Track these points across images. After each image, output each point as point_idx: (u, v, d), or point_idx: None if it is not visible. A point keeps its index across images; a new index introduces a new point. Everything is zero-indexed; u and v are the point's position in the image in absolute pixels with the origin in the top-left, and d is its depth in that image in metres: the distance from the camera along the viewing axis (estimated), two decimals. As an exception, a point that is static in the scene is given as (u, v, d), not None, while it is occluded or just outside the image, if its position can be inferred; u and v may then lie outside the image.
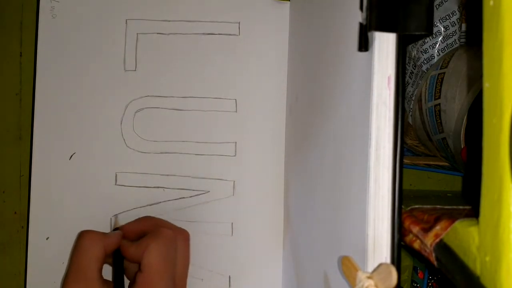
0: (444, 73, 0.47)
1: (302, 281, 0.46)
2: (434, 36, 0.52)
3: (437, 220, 0.32)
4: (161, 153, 0.54)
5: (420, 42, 0.52)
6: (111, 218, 0.53)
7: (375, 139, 0.30)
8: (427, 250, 0.33)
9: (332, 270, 0.36)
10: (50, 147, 0.53)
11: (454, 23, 0.52)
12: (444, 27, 0.52)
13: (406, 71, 0.54)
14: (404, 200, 0.30)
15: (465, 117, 0.44)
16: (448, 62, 0.47)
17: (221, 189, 0.54)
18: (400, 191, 0.30)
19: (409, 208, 0.37)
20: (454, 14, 0.52)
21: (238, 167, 0.54)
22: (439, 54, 0.52)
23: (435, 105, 0.47)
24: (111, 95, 0.54)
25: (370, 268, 0.30)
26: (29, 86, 0.55)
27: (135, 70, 0.54)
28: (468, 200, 0.39)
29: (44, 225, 0.53)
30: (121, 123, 0.54)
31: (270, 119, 0.55)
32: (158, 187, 0.54)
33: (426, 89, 0.49)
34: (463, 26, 0.52)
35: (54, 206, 0.53)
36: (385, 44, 0.30)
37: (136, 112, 0.54)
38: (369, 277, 0.28)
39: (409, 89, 0.53)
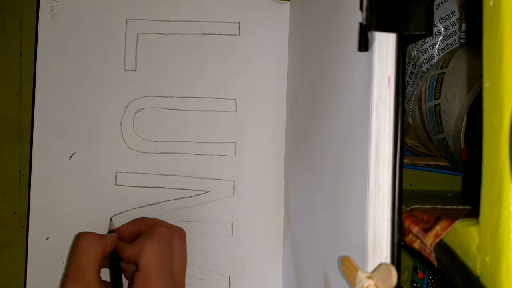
0: (444, 73, 0.47)
1: (302, 281, 0.46)
2: (434, 36, 0.52)
3: (437, 220, 0.32)
4: (161, 153, 0.54)
5: (420, 42, 0.52)
6: (111, 218, 0.53)
7: (375, 139, 0.30)
8: (427, 250, 0.33)
9: (332, 270, 0.36)
10: (50, 147, 0.53)
11: (454, 23, 0.52)
12: (444, 27, 0.52)
13: (406, 71, 0.54)
14: (404, 200, 0.30)
15: (465, 117, 0.44)
16: (448, 62, 0.47)
17: (221, 189, 0.54)
18: (400, 191, 0.30)
19: (409, 208, 0.37)
20: (454, 14, 0.52)
21: (238, 167, 0.54)
22: (439, 54, 0.52)
23: (435, 105, 0.47)
24: (111, 95, 0.54)
25: (370, 268, 0.30)
26: (29, 86, 0.55)
27: (135, 70, 0.54)
28: (468, 200, 0.39)
29: (44, 225, 0.53)
30: (121, 123, 0.54)
31: (270, 119, 0.55)
32: (158, 187, 0.54)
33: (426, 89, 0.49)
34: (463, 26, 0.52)
35: (54, 206, 0.53)
36: (385, 44, 0.30)
37: (136, 112, 0.54)
38: (369, 277, 0.28)
39: (409, 89, 0.53)
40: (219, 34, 0.55)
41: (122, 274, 0.49)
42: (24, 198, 0.55)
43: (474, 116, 0.43)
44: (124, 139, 0.54)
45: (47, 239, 0.53)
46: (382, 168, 0.30)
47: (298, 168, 0.49)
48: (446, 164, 0.53)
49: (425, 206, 0.37)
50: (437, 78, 0.47)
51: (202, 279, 0.54)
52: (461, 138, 0.44)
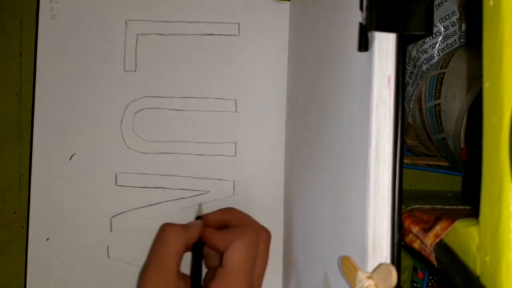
0: (444, 73, 0.47)
1: (302, 281, 0.46)
2: (434, 36, 0.52)
3: (437, 220, 0.32)
4: (161, 153, 0.54)
5: (420, 42, 0.52)
6: (200, 204, 0.53)
7: (375, 139, 0.30)
8: (427, 250, 0.33)
9: (332, 270, 0.36)
10: (50, 147, 0.53)
11: (454, 23, 0.52)
12: (444, 27, 0.52)
13: (406, 71, 0.54)
14: (404, 200, 0.30)
15: (465, 117, 0.44)
16: (448, 62, 0.47)
17: (221, 189, 0.54)
18: (400, 191, 0.30)
19: (409, 208, 0.37)
20: (454, 14, 0.52)
21: (238, 167, 0.54)
22: (439, 54, 0.52)
23: (435, 105, 0.47)
24: (111, 96, 0.54)
25: (370, 268, 0.30)
26: (29, 86, 0.55)
27: (135, 70, 0.54)
28: (468, 200, 0.39)
29: (44, 225, 0.53)
30: (121, 124, 0.54)
31: (270, 119, 0.55)
32: (158, 187, 0.54)
33: (426, 89, 0.49)
34: (463, 26, 0.52)
35: (54, 206, 0.53)
36: (385, 44, 0.30)
37: (136, 113, 0.54)
38: (369, 277, 0.28)
39: (409, 89, 0.53)
40: (219, 35, 0.55)
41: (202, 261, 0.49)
42: (24, 198, 0.55)
43: (474, 116, 0.43)
44: (124, 140, 0.54)
45: (47, 239, 0.53)
46: (382, 168, 0.30)
47: (298, 168, 0.49)
48: (446, 164, 0.53)
49: (425, 206, 0.37)
50: (437, 78, 0.47)
51: (202, 279, 0.54)
52: (461, 138, 0.44)
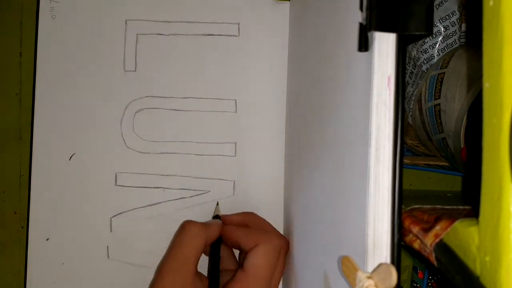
0: (444, 73, 0.47)
1: (302, 281, 0.46)
2: (434, 36, 0.52)
3: (437, 220, 0.32)
4: (161, 153, 0.54)
5: (420, 42, 0.52)
6: (217, 202, 0.53)
7: (375, 139, 0.30)
8: (427, 250, 0.33)
9: (332, 270, 0.36)
10: (50, 147, 0.53)
11: (454, 23, 0.52)
12: (444, 27, 0.52)
13: (406, 71, 0.54)
14: (404, 200, 0.30)
15: (465, 117, 0.44)
16: (448, 62, 0.47)
17: (221, 189, 0.54)
18: (400, 191, 0.30)
19: (409, 208, 0.37)
20: (454, 14, 0.52)
21: (238, 167, 0.54)
22: (439, 54, 0.52)
23: (435, 105, 0.47)
24: (111, 96, 0.54)
25: (370, 268, 0.30)
26: (29, 86, 0.55)
27: (135, 70, 0.54)
28: (468, 200, 0.39)
29: (44, 225, 0.53)
30: (121, 124, 0.54)
31: (270, 119, 0.55)
32: (158, 187, 0.54)
33: (426, 89, 0.49)
34: (463, 26, 0.52)
35: (54, 206, 0.53)
36: (385, 44, 0.30)
37: (136, 113, 0.54)
38: (369, 277, 0.28)
39: (409, 89, 0.53)
40: (219, 35, 0.55)
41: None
42: (24, 198, 0.55)
43: (474, 116, 0.43)
44: (124, 139, 0.54)
45: (47, 240, 0.53)
46: (382, 168, 0.30)
47: (298, 168, 0.49)
48: (446, 164, 0.53)
49: (425, 206, 0.37)
50: (437, 78, 0.47)
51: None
52: (461, 138, 0.44)
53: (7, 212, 0.56)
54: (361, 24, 0.31)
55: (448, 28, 0.52)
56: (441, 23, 0.52)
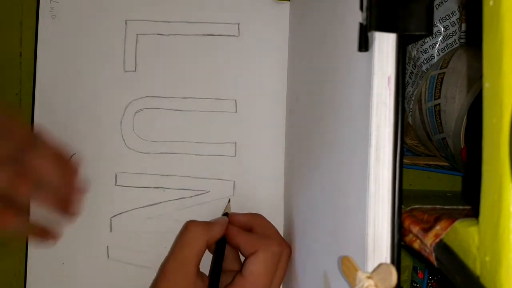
0: (444, 73, 0.47)
1: (302, 281, 0.46)
2: (434, 36, 0.52)
3: (437, 220, 0.32)
4: (161, 153, 0.54)
5: (420, 42, 0.52)
6: (229, 199, 0.53)
7: (375, 139, 0.30)
8: (427, 250, 0.33)
9: (332, 270, 0.36)
10: (50, 147, 0.53)
11: (454, 23, 0.52)
12: (444, 27, 0.52)
13: (406, 71, 0.54)
14: (404, 200, 0.30)
15: (465, 117, 0.44)
16: (448, 62, 0.47)
17: (221, 189, 0.54)
18: (400, 191, 0.30)
19: (409, 208, 0.37)
20: (454, 14, 0.52)
21: (238, 167, 0.54)
22: (439, 54, 0.52)
23: (435, 105, 0.47)
24: (111, 95, 0.54)
25: (370, 268, 0.30)
26: (29, 86, 0.55)
27: (135, 70, 0.54)
28: (468, 200, 0.39)
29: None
30: (121, 124, 0.54)
31: (270, 119, 0.55)
32: (158, 187, 0.54)
33: (426, 89, 0.49)
34: (463, 26, 0.52)
35: (54, 206, 0.53)
36: (385, 44, 0.30)
37: (136, 113, 0.54)
38: (369, 277, 0.28)
39: (409, 89, 0.53)
40: (219, 35, 0.55)
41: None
42: (24, 198, 0.55)
43: (474, 116, 0.43)
44: (124, 139, 0.54)
45: (47, 239, 0.53)
46: (382, 168, 0.30)
47: (298, 168, 0.49)
48: (446, 164, 0.53)
49: (425, 206, 0.37)
50: (437, 78, 0.48)
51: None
52: (461, 138, 0.44)
53: (7, 212, 0.56)
54: (361, 24, 0.31)
55: (448, 28, 0.52)
56: (441, 23, 0.52)
